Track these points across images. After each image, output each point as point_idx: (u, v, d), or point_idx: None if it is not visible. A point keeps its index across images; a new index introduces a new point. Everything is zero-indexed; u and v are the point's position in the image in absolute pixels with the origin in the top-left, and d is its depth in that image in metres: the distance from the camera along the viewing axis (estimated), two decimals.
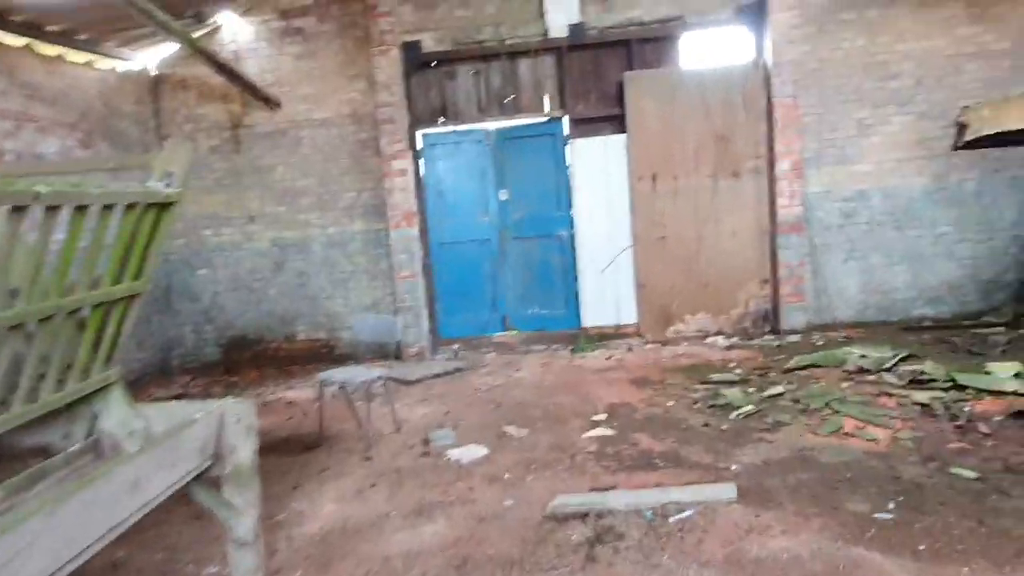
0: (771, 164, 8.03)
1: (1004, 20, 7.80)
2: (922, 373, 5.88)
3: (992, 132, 5.95)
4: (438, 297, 8.82)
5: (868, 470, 4.14)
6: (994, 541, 3.22)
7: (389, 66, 8.18)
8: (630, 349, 7.97)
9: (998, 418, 4.81)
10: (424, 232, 8.62)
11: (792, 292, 8.05)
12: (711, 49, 8.36)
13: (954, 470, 4.03)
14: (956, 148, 6.62)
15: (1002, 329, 7.41)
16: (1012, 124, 5.79)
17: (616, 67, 8.34)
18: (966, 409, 5.04)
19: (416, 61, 8.47)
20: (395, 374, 7.21)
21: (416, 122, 8.56)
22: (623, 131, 8.30)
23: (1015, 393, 5.25)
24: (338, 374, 5.62)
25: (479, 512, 3.98)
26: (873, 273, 8.16)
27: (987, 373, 5.73)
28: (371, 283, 8.67)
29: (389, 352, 8.04)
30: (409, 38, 8.39)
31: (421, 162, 8.65)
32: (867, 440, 4.62)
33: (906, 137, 7.96)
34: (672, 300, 8.35)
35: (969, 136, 6.28)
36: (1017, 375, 5.60)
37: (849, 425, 4.91)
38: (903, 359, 6.42)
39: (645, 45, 8.30)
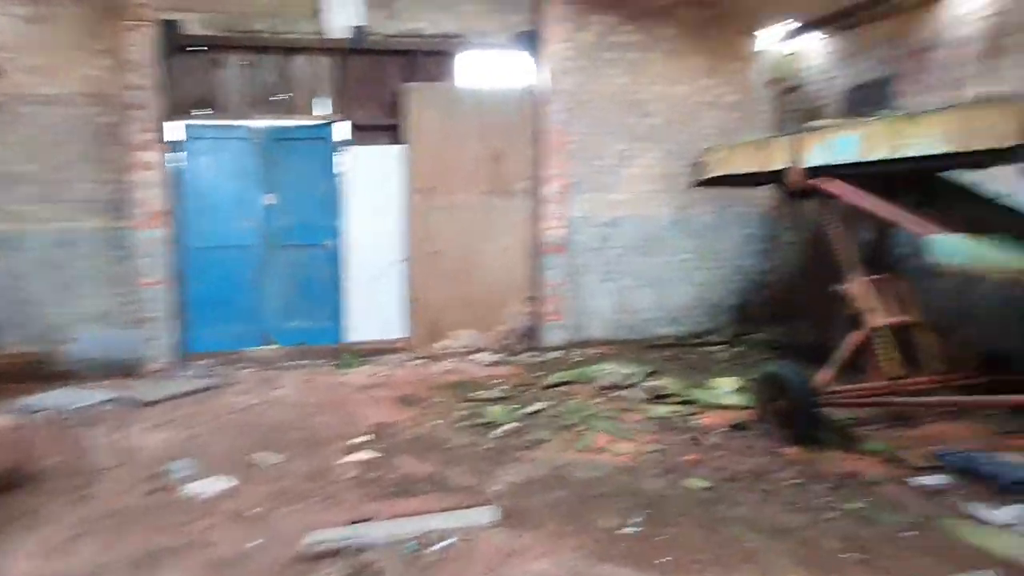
0: (540, 186, 8.38)
1: (735, 77, 8.93)
2: (663, 388, 6.46)
3: (723, 173, 6.71)
4: (190, 307, 7.93)
5: (618, 485, 4.38)
6: (725, 549, 3.54)
7: (141, 44, 7.22)
8: (398, 365, 7.81)
9: (723, 430, 5.39)
10: (176, 234, 7.71)
11: (554, 310, 8.45)
12: (490, 69, 8.55)
13: (689, 481, 4.41)
14: (694, 185, 7.38)
15: (725, 347, 8.43)
16: (738, 167, 6.58)
17: (397, 76, 8.18)
18: (697, 422, 5.60)
19: (176, 43, 7.57)
20: (129, 394, 6.30)
21: (173, 111, 7.64)
22: (401, 141, 8.15)
23: (735, 406, 5.94)
24: (52, 397, 4.76)
25: (219, 556, 3.54)
26: (624, 294, 8.84)
27: (714, 388, 6.45)
28: (107, 290, 7.54)
29: (128, 368, 7.06)
30: (168, 16, 7.49)
31: (178, 156, 7.74)
32: (616, 455, 4.91)
33: (657, 171, 8.76)
34: (443, 315, 8.35)
35: (705, 175, 7.04)
36: (737, 390, 6.37)
37: (602, 440, 5.20)
38: (648, 375, 7.00)
39: (427, 58, 8.25)
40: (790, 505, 4.03)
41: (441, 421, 5.73)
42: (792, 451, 4.85)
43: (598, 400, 6.25)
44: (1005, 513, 3.80)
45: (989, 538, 3.56)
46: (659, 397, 6.23)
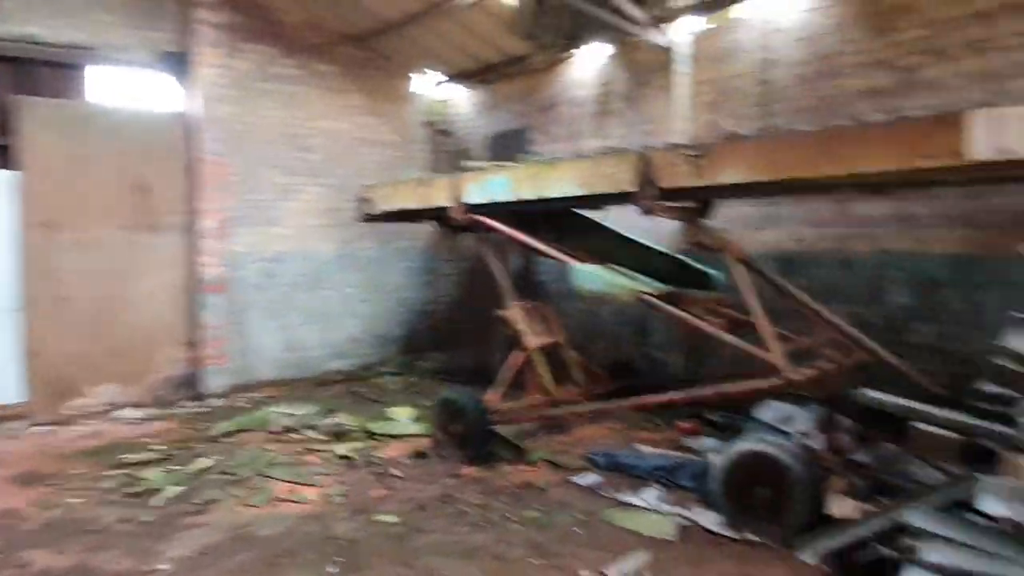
0: (196, 221, 7.64)
1: (392, 117, 9.29)
2: (341, 426, 6.32)
3: (390, 209, 6.90)
4: None
5: (306, 535, 4.14)
6: None
7: None
8: (13, 436, 6.35)
9: (405, 460, 5.47)
10: None
11: (215, 354, 7.74)
12: (134, 89, 7.56)
13: (379, 518, 4.36)
14: (362, 220, 7.45)
15: (395, 377, 8.60)
16: (403, 203, 6.83)
17: (5, 87, 6.75)
18: (380, 456, 5.60)
19: None
20: None
21: None
22: (12, 166, 6.72)
23: (414, 435, 6.09)
24: None
25: None
26: (291, 332, 8.49)
27: (392, 420, 6.53)
28: None
29: None
30: None
31: None
32: (302, 503, 4.65)
33: (320, 205, 8.64)
34: (75, 370, 7.04)
35: (372, 211, 7.16)
36: (413, 419, 6.54)
37: (282, 490, 4.87)
38: (324, 414, 6.80)
39: (48, 69, 6.97)
40: (476, 524, 4.24)
41: (81, 499, 4.79)
42: (471, 471, 5.13)
43: (274, 446, 5.86)
44: (647, 497, 4.51)
45: (638, 521, 4.18)
46: (339, 435, 6.08)
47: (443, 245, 9.79)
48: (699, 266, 5.99)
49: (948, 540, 2.69)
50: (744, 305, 5.24)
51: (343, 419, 6.45)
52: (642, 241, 6.35)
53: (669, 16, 6.67)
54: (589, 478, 4.94)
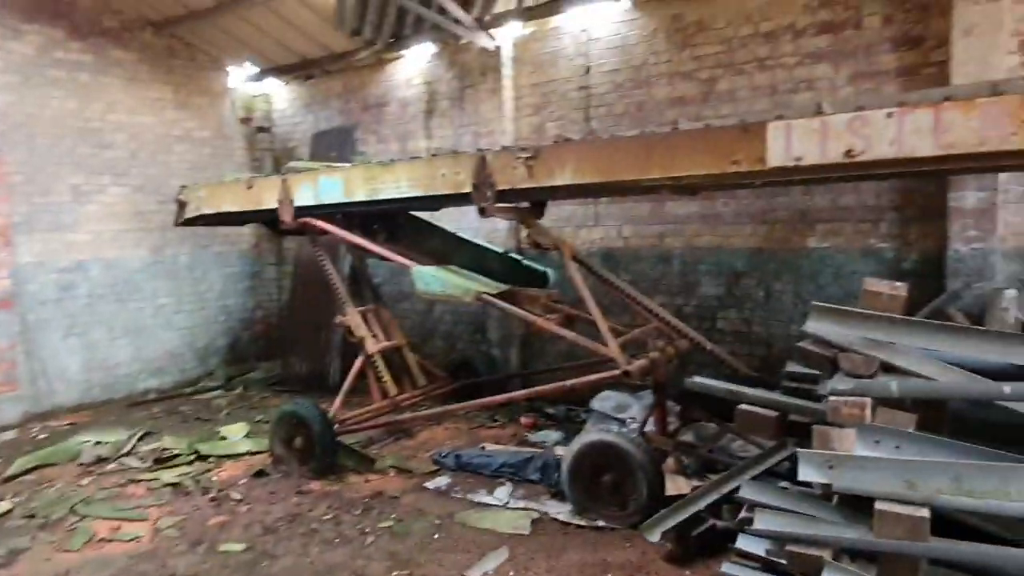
0: None
1: (205, 111, 8.64)
2: (164, 450, 5.82)
3: (212, 211, 6.44)
4: None
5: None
6: None
7: None
8: None
9: (243, 481, 5.16)
10: None
11: (2, 380, 6.77)
12: None
13: (223, 547, 4.09)
14: (178, 224, 6.87)
15: (221, 392, 8.07)
16: (227, 206, 6.40)
17: None
18: (215, 479, 5.23)
19: None
20: None
21: None
22: None
23: (250, 453, 5.76)
24: None
25: None
26: (96, 349, 7.64)
27: (223, 438, 6.12)
28: None
29: None
30: None
31: None
32: (128, 541, 4.23)
33: (124, 208, 7.84)
34: None
35: (190, 214, 6.64)
36: (247, 435, 6.18)
37: (104, 529, 4.41)
38: (141, 438, 6.22)
39: None
40: (331, 542, 4.11)
41: None
42: (319, 486, 4.95)
43: (86, 481, 5.27)
44: (499, 495, 4.63)
45: (493, 519, 4.28)
46: (164, 460, 5.58)
47: (267, 248, 9.31)
48: (532, 264, 6.23)
49: (776, 508, 3.06)
50: (575, 300, 5.60)
51: (167, 442, 5.94)
52: (476, 241, 6.47)
53: (494, 21, 6.82)
54: (441, 481, 4.97)
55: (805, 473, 2.87)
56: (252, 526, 4.36)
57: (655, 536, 3.70)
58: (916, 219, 5.17)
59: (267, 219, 6.52)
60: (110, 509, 4.69)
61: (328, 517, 4.43)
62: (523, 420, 6.31)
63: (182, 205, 6.69)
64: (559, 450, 5.15)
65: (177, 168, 8.25)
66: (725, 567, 3.03)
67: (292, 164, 6.67)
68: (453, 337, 7.80)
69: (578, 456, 4.29)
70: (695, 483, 4.49)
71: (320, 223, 5.83)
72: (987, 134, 3.21)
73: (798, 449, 2.93)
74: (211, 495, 4.90)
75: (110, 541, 4.24)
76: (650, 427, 5.02)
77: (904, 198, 5.21)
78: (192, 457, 5.65)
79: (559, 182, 4.52)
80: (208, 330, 8.74)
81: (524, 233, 5.24)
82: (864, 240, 5.37)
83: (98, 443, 6.02)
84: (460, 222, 7.01)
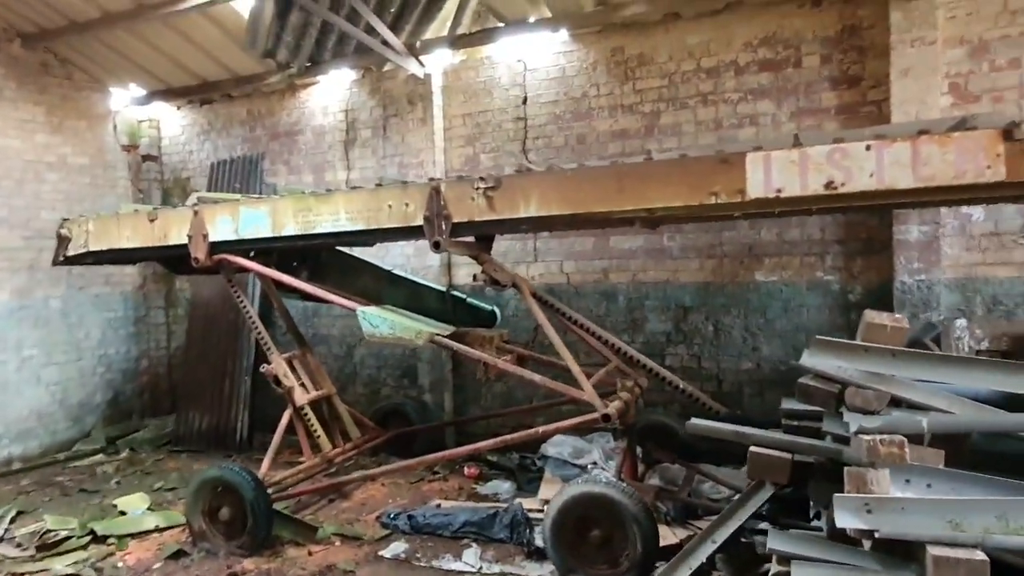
0: None
1: (83, 136, 7.65)
2: (48, 532, 4.85)
3: (105, 248, 5.59)
4: None
5: None
6: None
7: None
8: None
9: (157, 565, 4.35)
10: None
11: None
12: None
13: None
14: (57, 263, 5.93)
15: (103, 456, 7.01)
16: (120, 242, 5.57)
17: None
18: (120, 565, 4.38)
19: None
20: None
21: None
22: None
23: (159, 529, 4.91)
24: None
25: None
26: None
27: (122, 513, 5.21)
28: None
29: None
30: None
31: None
32: None
33: None
34: None
35: (73, 251, 5.74)
36: (150, 508, 5.31)
37: None
38: (13, 520, 5.19)
39: None
40: None
41: None
42: (252, 565, 4.25)
43: None
44: (467, 559, 4.14)
45: None
46: (50, 546, 4.63)
47: (154, 289, 8.31)
48: (477, 302, 5.86)
49: (810, 559, 2.84)
50: (526, 341, 5.29)
51: (50, 522, 4.95)
52: (412, 278, 6.02)
53: (424, 47, 6.48)
54: (397, 548, 4.42)
55: (842, 519, 2.66)
56: None
57: None
58: (860, 252, 5.28)
59: (168, 256, 5.77)
60: None
61: None
62: (466, 471, 5.84)
63: (63, 240, 5.80)
64: (526, 503, 4.73)
65: (50, 199, 7.21)
66: None
67: (201, 195, 5.94)
68: (377, 383, 7.20)
69: (562, 511, 3.90)
70: (678, 530, 4.24)
71: (240, 260, 5.20)
72: (963, 167, 3.25)
73: (835, 495, 2.72)
74: None
75: None
76: (613, 470, 4.72)
77: (848, 232, 5.32)
78: (87, 539, 4.72)
79: (523, 214, 4.22)
80: (84, 384, 7.62)
81: (479, 269, 4.85)
82: (811, 273, 5.43)
83: None
84: (384, 259, 6.56)
